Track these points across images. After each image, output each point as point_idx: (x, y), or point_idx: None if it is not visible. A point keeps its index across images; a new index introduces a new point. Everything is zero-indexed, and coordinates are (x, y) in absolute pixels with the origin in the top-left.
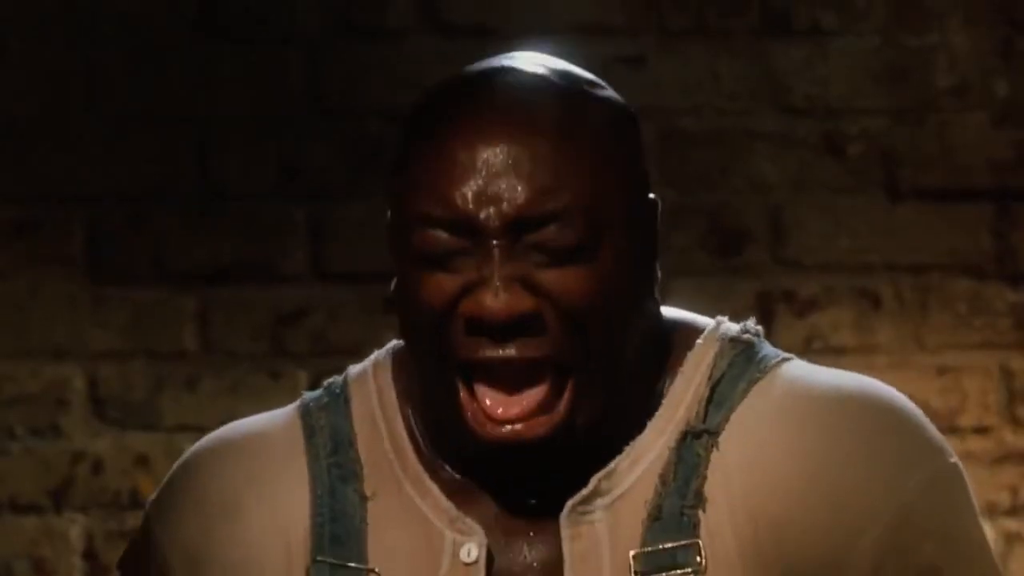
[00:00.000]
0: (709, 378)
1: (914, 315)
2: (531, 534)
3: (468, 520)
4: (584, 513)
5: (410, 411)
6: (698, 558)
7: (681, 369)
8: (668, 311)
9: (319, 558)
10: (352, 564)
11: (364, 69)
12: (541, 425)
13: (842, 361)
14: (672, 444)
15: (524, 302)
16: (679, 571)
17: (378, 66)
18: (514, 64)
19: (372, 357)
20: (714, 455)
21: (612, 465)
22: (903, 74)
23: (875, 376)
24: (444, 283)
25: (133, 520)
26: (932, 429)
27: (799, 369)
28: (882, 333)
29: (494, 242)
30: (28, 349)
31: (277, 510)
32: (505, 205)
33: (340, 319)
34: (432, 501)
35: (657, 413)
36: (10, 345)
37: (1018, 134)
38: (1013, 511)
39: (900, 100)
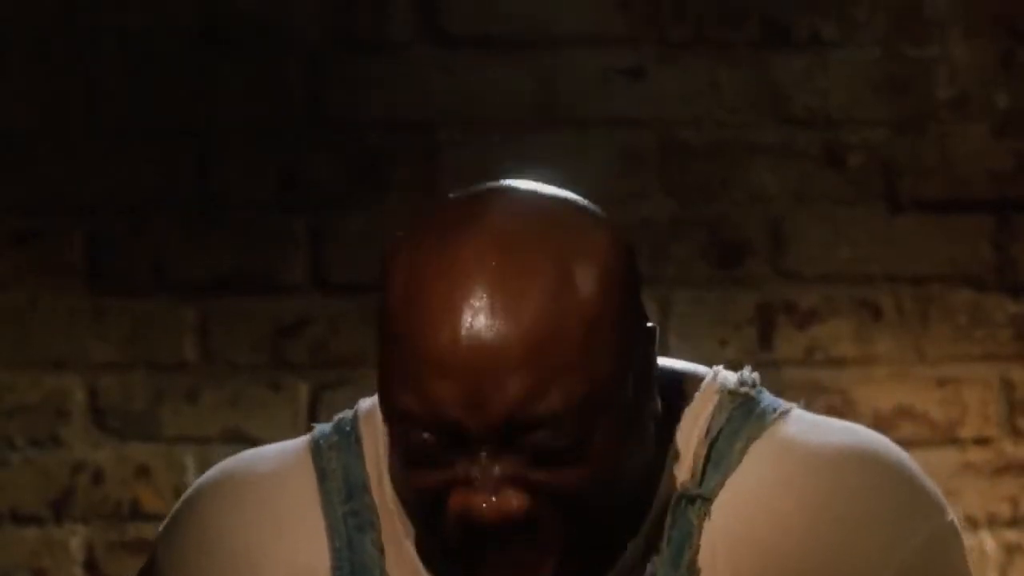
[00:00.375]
0: (707, 434)
1: (914, 326)
2: None
3: None
4: None
5: None
6: None
7: (679, 427)
8: (664, 362)
9: None
10: None
11: (364, 80)
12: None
13: (842, 372)
14: (669, 507)
15: (516, 502)
16: None
17: (379, 77)
18: (493, 219)
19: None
20: (707, 524)
21: (619, 564)
22: (903, 85)
23: (875, 387)
24: (432, 478)
25: (134, 531)
26: (930, 485)
27: (797, 424)
28: (882, 344)
29: (483, 446)
30: (28, 359)
31: (295, 564)
32: (493, 410)
33: (341, 330)
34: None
35: (659, 489)
36: (10, 355)
37: (1018, 145)
38: (1013, 522)
39: (900, 111)
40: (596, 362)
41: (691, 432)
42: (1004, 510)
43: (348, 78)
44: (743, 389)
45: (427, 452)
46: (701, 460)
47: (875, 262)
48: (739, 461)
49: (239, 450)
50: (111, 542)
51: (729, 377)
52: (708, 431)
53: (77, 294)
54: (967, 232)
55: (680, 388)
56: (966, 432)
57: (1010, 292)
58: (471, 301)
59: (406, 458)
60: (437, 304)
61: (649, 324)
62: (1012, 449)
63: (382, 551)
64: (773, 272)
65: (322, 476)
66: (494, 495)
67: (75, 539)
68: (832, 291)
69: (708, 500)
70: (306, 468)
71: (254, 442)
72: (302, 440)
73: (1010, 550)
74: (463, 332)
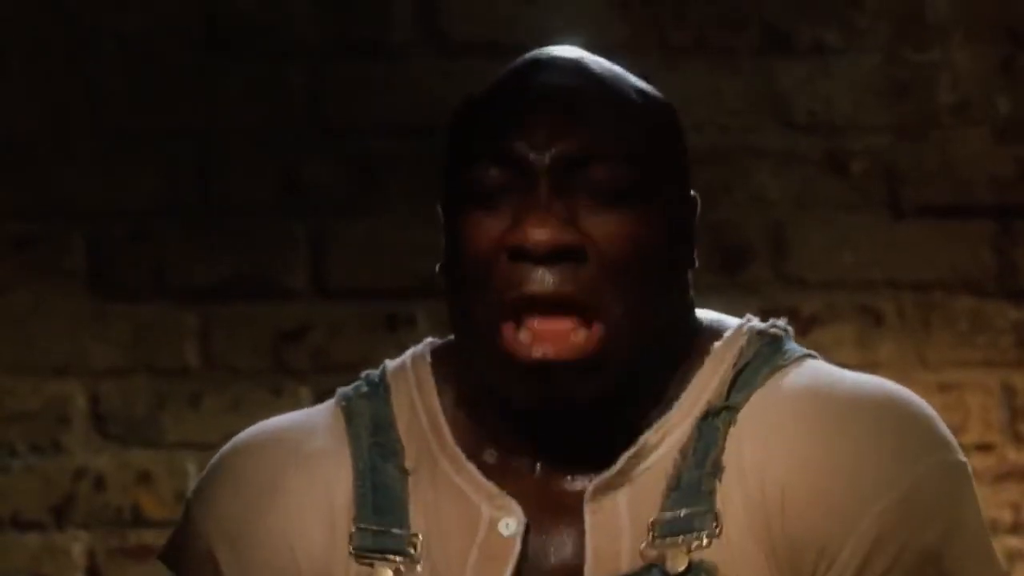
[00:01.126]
0: (735, 365)
1: (916, 332)
2: (563, 513)
3: (507, 497)
4: (609, 489)
5: (449, 401)
6: (713, 524)
7: (708, 357)
8: (700, 311)
9: (362, 525)
10: (395, 530)
11: (365, 85)
12: (571, 350)
13: None
14: (695, 422)
15: (568, 235)
16: (694, 535)
17: (379, 82)
18: (573, 48)
19: (410, 352)
20: (733, 430)
21: (640, 442)
22: (905, 91)
23: None
24: (492, 221)
25: (135, 537)
26: (945, 429)
27: (823, 365)
28: (884, 350)
29: (542, 177)
30: (29, 365)
31: (317, 485)
32: (556, 141)
33: (341, 335)
34: (468, 478)
35: (684, 395)
36: (11, 361)
37: (1020, 151)
38: (1015, 528)
39: (902, 117)
40: (654, 139)
41: (720, 362)
42: (1006, 516)
43: (349, 83)
44: (773, 330)
45: (491, 189)
46: (727, 384)
47: (877, 268)
48: (763, 383)
49: None
50: (113, 548)
51: (759, 323)
52: (736, 363)
53: (78, 299)
54: (969, 238)
55: (714, 326)
56: (968, 438)
57: (1012, 298)
58: (548, 68)
59: (471, 205)
60: (513, 70)
61: (692, 192)
62: (1014, 455)
63: (405, 473)
64: (775, 278)
65: (350, 418)
66: (549, 223)
67: (77, 545)
68: (834, 297)
69: (733, 410)
70: (335, 414)
71: None
72: (330, 400)
73: (1012, 557)
74: (536, 83)
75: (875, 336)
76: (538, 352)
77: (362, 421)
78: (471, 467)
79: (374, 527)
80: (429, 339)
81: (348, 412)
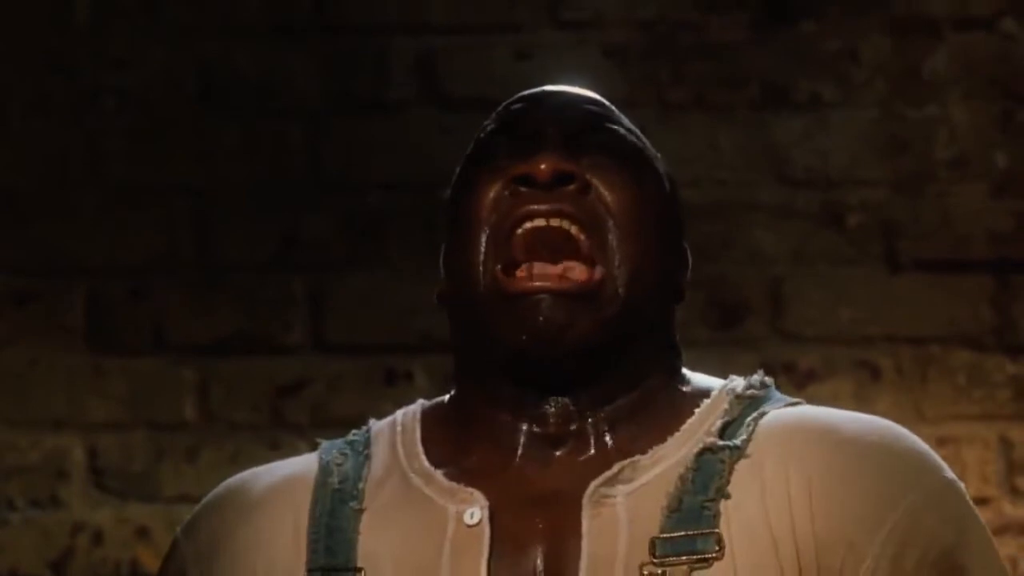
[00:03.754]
0: (727, 411)
1: (913, 386)
2: (546, 509)
3: (469, 490)
4: (606, 496)
5: (432, 424)
6: (716, 546)
7: (699, 407)
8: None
9: (312, 567)
10: (342, 570)
11: (364, 142)
12: (569, 283)
13: None
14: (692, 456)
15: (571, 165)
16: (696, 555)
17: (378, 139)
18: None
19: (400, 409)
20: (741, 461)
21: (636, 458)
22: (903, 146)
23: None
24: (497, 174)
25: None
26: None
27: (817, 406)
28: (881, 404)
29: (548, 133)
30: (28, 419)
31: (287, 512)
32: (562, 110)
33: (340, 390)
34: (436, 487)
35: (680, 430)
36: (10, 415)
37: (1018, 205)
38: None
39: (900, 171)
40: (647, 152)
41: (712, 408)
42: None
43: (347, 139)
44: (749, 392)
45: (501, 153)
46: (722, 424)
47: (875, 322)
48: (760, 419)
49: None
50: None
51: (740, 383)
52: (729, 408)
53: (77, 354)
54: (967, 292)
55: (702, 380)
56: None
57: (1009, 352)
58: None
59: (479, 167)
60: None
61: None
62: (1011, 509)
63: (359, 512)
64: (773, 332)
65: (323, 469)
66: (554, 155)
67: None
68: (831, 351)
69: (736, 448)
70: (313, 462)
71: None
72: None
73: None
74: (541, 90)
75: (872, 390)
76: (536, 283)
77: (333, 471)
78: (438, 475)
79: (322, 567)
80: (421, 400)
81: (323, 464)
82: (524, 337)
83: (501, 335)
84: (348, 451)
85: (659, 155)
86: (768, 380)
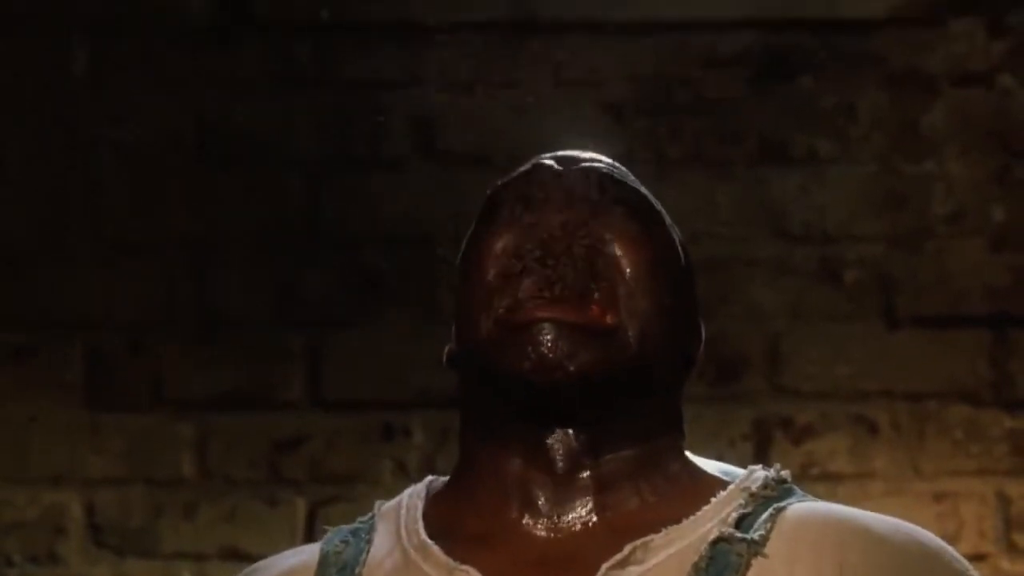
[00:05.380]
0: (742, 505)
1: (911, 442)
2: None
3: (464, 567)
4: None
5: (436, 498)
6: None
7: (715, 496)
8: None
9: None
10: None
11: (362, 197)
12: (579, 314)
13: (839, 488)
14: (707, 543)
15: (583, 219)
16: None
17: (376, 193)
18: None
19: (407, 489)
20: (757, 559)
21: (649, 537)
22: (900, 201)
23: (872, 503)
24: (507, 225)
25: None
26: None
27: (834, 503)
28: (879, 460)
29: (562, 184)
30: (26, 475)
31: None
32: (576, 166)
33: (338, 446)
34: (433, 560)
35: (695, 515)
36: (8, 471)
37: (1015, 260)
38: None
39: (897, 227)
40: (663, 221)
41: (731, 498)
42: None
43: (346, 194)
44: (765, 492)
45: (508, 207)
46: (739, 515)
47: (872, 378)
48: (777, 515)
49: (236, 567)
50: None
51: (758, 478)
52: (747, 501)
53: (75, 410)
54: (964, 347)
55: (720, 471)
56: (963, 548)
57: (1007, 407)
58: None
59: (488, 223)
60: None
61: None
62: (1008, 566)
63: None
64: (770, 388)
65: (323, 559)
66: (566, 211)
67: None
68: (829, 407)
69: (754, 543)
70: (312, 557)
71: (251, 559)
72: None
73: None
74: (557, 153)
75: (870, 446)
76: (541, 312)
77: (332, 562)
78: (435, 549)
79: None
80: (430, 476)
81: (324, 554)
82: (527, 365)
83: (505, 364)
84: (350, 539)
85: (675, 226)
86: (786, 474)
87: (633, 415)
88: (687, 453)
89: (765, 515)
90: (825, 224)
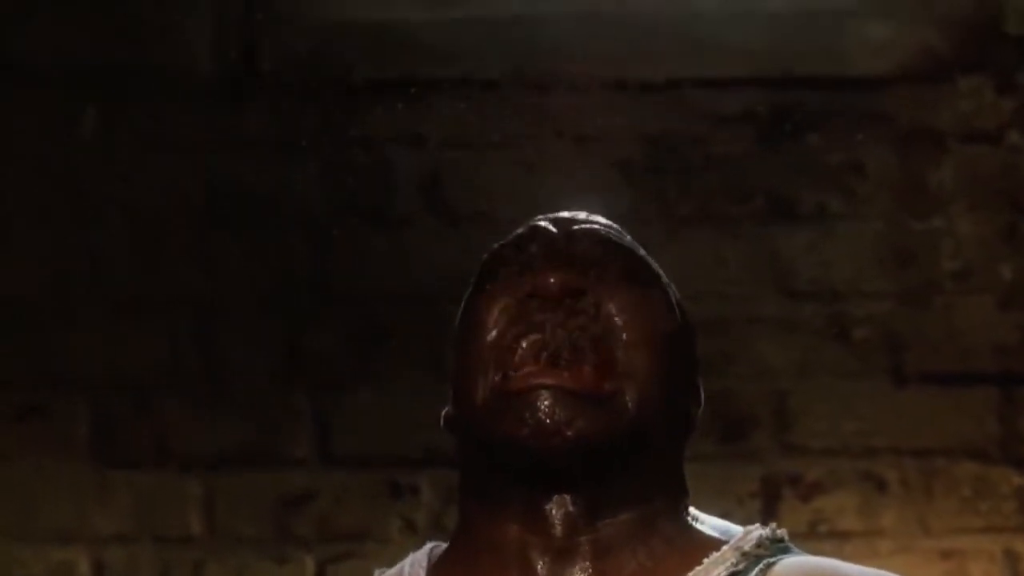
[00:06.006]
0: (734, 564)
1: (919, 499)
2: None
3: None
4: None
5: (434, 571)
6: None
7: (707, 557)
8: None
9: None
10: None
11: (368, 253)
12: (578, 381)
13: (847, 546)
14: None
15: (581, 282)
16: None
17: (382, 250)
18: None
19: (409, 556)
20: None
21: None
22: (908, 258)
23: (880, 561)
24: (504, 288)
25: None
26: None
27: (824, 558)
28: (887, 517)
29: (559, 247)
30: (34, 533)
31: None
32: (573, 227)
33: (346, 503)
34: None
35: (694, 571)
36: (15, 529)
37: (1023, 318)
38: None
39: (905, 284)
40: (666, 290)
41: (727, 555)
42: None
43: (352, 251)
44: (758, 551)
45: (506, 270)
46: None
47: (880, 435)
48: (771, 568)
49: None
50: None
51: (753, 538)
52: (742, 559)
53: (82, 467)
54: (972, 405)
55: (719, 527)
56: None
57: (1015, 464)
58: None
59: (488, 283)
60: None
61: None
62: None
63: None
64: (778, 445)
65: None
66: (563, 269)
67: None
68: (837, 464)
69: None
70: None
71: None
72: None
73: None
74: (555, 214)
75: (878, 503)
76: (538, 379)
77: None
78: None
79: None
80: (432, 542)
81: None
82: (525, 431)
83: (502, 432)
84: None
85: (674, 288)
86: (782, 533)
87: (631, 478)
88: (691, 511)
89: (755, 572)
90: (833, 281)
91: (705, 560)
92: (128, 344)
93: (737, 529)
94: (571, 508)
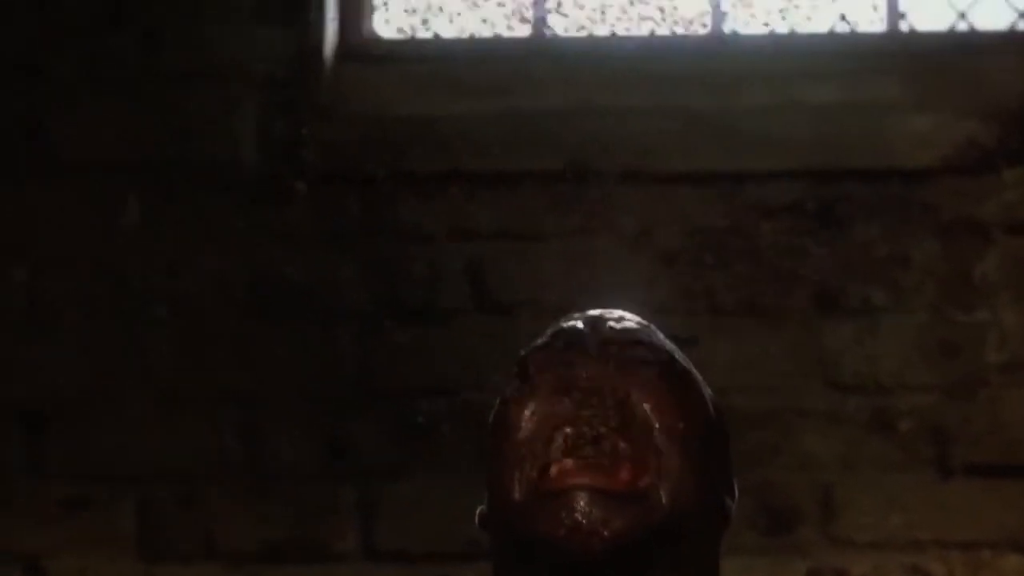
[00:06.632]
0: None
1: None
2: None
3: None
4: None
5: None
6: None
7: None
8: None
9: None
10: None
11: (414, 348)
12: (612, 480)
13: None
14: None
15: (614, 378)
16: None
17: (428, 345)
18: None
19: None
20: None
21: None
22: (953, 350)
23: None
24: (539, 385)
25: None
26: None
27: None
28: None
29: (593, 343)
30: None
31: None
32: (607, 325)
33: None
34: None
35: None
36: None
37: None
38: None
39: (950, 376)
40: (699, 386)
41: None
42: None
43: (396, 345)
44: None
45: (541, 367)
46: None
47: (926, 527)
48: None
49: None
50: None
51: None
52: None
53: (128, 562)
54: (1018, 497)
55: None
56: None
57: None
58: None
59: (524, 381)
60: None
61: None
62: None
63: None
64: (823, 539)
65: None
66: (599, 371)
67: None
68: (883, 557)
69: None
70: None
71: None
72: None
73: None
74: (590, 312)
75: None
76: (573, 479)
77: None
78: None
79: None
80: None
81: None
82: (562, 532)
83: (539, 531)
84: None
85: (706, 384)
86: None
87: (667, 572)
88: None
89: None
90: (878, 373)
91: None
92: (172, 439)
93: None
94: None
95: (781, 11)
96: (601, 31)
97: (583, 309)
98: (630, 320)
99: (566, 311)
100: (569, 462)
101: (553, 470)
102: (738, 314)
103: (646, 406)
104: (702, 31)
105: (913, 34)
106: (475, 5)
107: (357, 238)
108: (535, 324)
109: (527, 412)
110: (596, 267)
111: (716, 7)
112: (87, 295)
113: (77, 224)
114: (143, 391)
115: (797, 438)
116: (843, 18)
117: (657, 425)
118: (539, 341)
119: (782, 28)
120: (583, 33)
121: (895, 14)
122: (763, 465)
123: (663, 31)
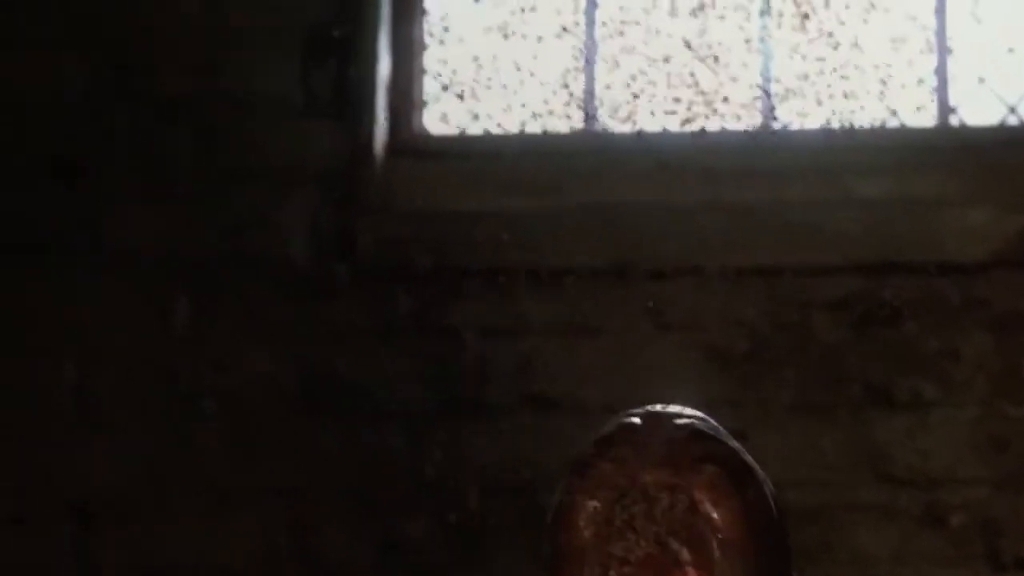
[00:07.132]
0: None
1: None
2: None
3: None
4: None
5: None
6: None
7: None
8: None
9: None
10: None
11: (465, 444)
12: None
13: None
14: None
15: (675, 479)
16: None
17: (478, 441)
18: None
19: None
20: None
21: None
22: (1004, 444)
23: None
24: (598, 488)
25: None
26: None
27: None
28: None
29: (653, 443)
30: None
31: None
32: (667, 422)
33: None
34: None
35: None
36: None
37: None
38: None
39: (1001, 470)
40: (761, 483)
41: None
42: None
43: (447, 441)
44: None
45: (599, 467)
46: None
47: None
48: None
49: None
50: None
51: None
52: None
53: None
54: None
55: None
56: None
57: None
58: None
59: (582, 484)
60: None
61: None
62: None
63: None
64: None
65: None
66: (655, 476)
67: None
68: None
69: None
70: None
71: None
72: None
73: None
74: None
75: None
76: None
77: None
78: None
79: None
80: None
81: None
82: None
83: None
84: None
85: (767, 479)
86: None
87: None
88: None
89: None
90: (929, 468)
91: None
92: (224, 534)
93: None
94: None
95: (831, 104)
96: (650, 126)
97: (632, 405)
98: (690, 416)
99: (615, 407)
100: (630, 567)
101: (614, 573)
102: (788, 409)
103: (708, 506)
104: (751, 125)
105: (963, 128)
106: (523, 104)
107: (407, 333)
108: (585, 419)
109: (587, 512)
110: (644, 363)
111: (766, 101)
112: (137, 391)
113: (127, 320)
114: (193, 487)
115: (849, 533)
116: (893, 113)
117: (719, 526)
118: (597, 436)
119: (833, 122)
120: (632, 128)
121: (945, 108)
122: (815, 561)
123: (712, 125)
